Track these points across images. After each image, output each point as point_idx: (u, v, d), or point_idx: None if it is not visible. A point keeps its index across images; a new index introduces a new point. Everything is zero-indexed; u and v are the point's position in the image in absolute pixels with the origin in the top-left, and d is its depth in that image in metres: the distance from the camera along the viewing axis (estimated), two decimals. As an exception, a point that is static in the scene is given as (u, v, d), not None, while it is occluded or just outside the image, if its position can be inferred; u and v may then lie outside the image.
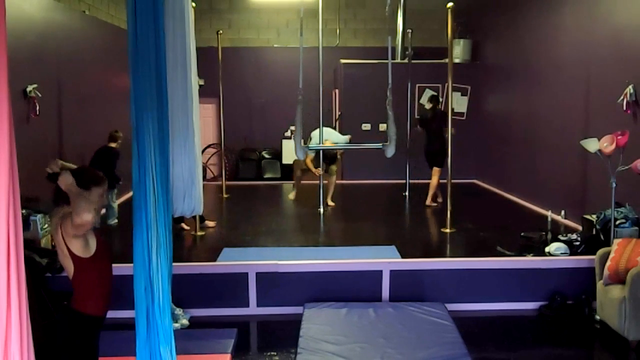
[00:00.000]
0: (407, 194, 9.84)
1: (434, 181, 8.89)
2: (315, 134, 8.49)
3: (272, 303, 5.64)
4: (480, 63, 11.08)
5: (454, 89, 7.96)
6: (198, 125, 4.59)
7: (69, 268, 3.07)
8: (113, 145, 7.38)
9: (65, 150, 7.41)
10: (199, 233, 7.13)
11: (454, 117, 8.10)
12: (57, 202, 3.10)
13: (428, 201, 8.98)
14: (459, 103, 11.08)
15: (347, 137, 8.94)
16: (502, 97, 10.21)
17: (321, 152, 8.52)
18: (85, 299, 3.09)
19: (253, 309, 5.64)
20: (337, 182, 10.16)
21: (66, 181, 2.96)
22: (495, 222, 7.92)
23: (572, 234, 6.34)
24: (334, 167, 8.93)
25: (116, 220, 7.62)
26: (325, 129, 8.42)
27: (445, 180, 7.48)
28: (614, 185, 5.62)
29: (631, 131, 5.63)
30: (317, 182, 8.63)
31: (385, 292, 5.68)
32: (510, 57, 9.74)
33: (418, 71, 10.54)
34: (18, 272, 1.99)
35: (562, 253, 5.92)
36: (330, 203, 9.02)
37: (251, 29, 13.03)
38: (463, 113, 11.19)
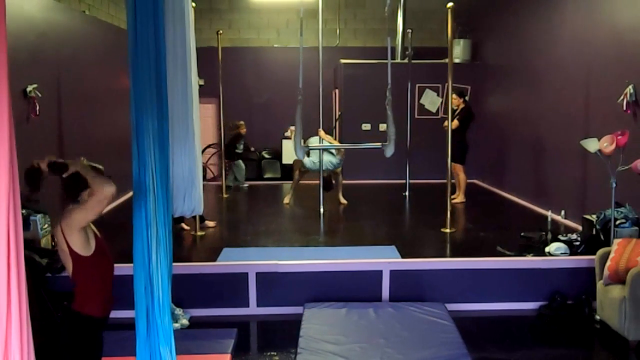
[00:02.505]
0: (407, 194, 9.84)
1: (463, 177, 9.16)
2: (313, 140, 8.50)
3: (272, 303, 5.64)
4: (480, 63, 11.07)
5: (454, 89, 7.96)
6: (198, 125, 4.59)
7: (69, 268, 3.06)
8: (235, 131, 10.44)
9: (66, 150, 7.42)
10: (199, 233, 7.13)
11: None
12: (70, 194, 3.07)
13: (461, 198, 9.12)
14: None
15: (340, 159, 8.73)
16: (502, 97, 10.21)
17: (321, 176, 8.46)
18: (86, 300, 3.09)
19: (253, 309, 5.64)
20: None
21: (78, 165, 2.98)
22: (495, 222, 7.92)
23: (572, 234, 6.35)
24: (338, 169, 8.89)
25: (245, 185, 10.73)
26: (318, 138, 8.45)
27: (445, 180, 7.48)
28: (614, 185, 5.62)
29: (631, 131, 5.63)
30: (318, 182, 8.62)
31: (385, 292, 5.68)
32: (510, 57, 9.75)
33: (418, 71, 10.54)
34: (18, 272, 2.00)
35: (562, 253, 5.92)
36: (342, 201, 9.00)
37: (251, 29, 13.03)
38: (463, 113, 11.19)
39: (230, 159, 10.46)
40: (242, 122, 10.55)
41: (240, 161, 10.69)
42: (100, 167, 3.12)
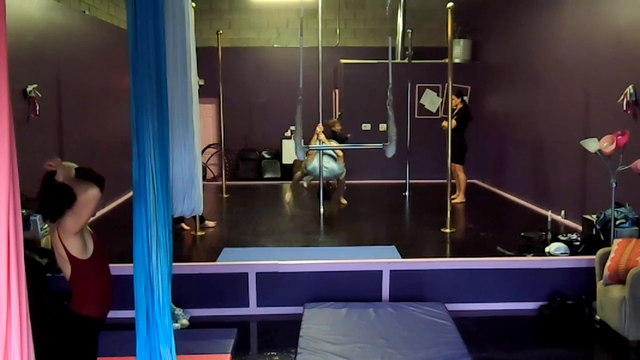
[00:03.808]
0: (407, 194, 9.84)
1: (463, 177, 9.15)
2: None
3: (272, 303, 5.64)
4: (480, 63, 11.08)
5: (453, 89, 7.96)
6: (198, 125, 4.58)
7: (67, 271, 3.06)
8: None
9: (66, 150, 7.42)
10: (199, 233, 7.13)
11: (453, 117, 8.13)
12: (63, 204, 3.08)
13: (461, 198, 9.10)
14: (459, 103, 11.07)
15: (341, 166, 8.64)
16: (502, 97, 10.21)
17: (321, 182, 8.41)
18: (84, 302, 3.08)
19: (253, 309, 5.64)
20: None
21: (65, 173, 2.97)
22: (495, 222, 7.92)
23: (572, 234, 6.34)
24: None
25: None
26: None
27: (445, 180, 7.48)
28: (614, 185, 5.62)
29: (631, 131, 5.63)
30: (317, 181, 8.61)
31: (385, 292, 5.68)
32: (510, 57, 9.74)
33: (418, 71, 10.54)
34: (18, 272, 1.99)
35: (562, 253, 5.92)
36: (342, 201, 8.94)
37: (251, 29, 13.03)
38: (463, 113, 11.18)
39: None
40: (334, 120, 9.89)
41: None
42: (75, 165, 3.13)
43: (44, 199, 3.03)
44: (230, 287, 5.63)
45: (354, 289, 5.65)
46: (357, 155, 10.36)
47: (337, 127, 9.46)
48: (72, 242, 2.99)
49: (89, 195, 2.89)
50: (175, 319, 5.18)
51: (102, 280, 3.17)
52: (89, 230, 3.14)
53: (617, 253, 5.04)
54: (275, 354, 4.80)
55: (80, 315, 3.08)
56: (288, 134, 12.56)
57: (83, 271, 3.05)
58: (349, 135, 9.72)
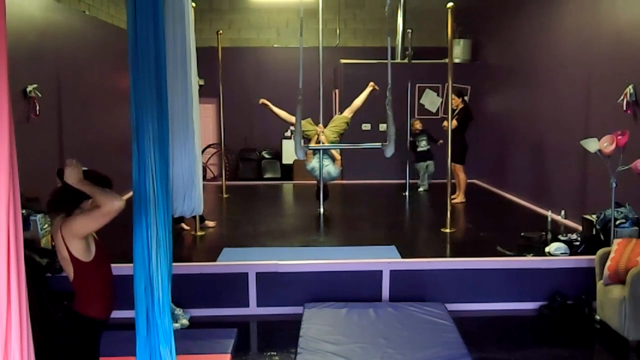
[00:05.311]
0: (407, 194, 9.84)
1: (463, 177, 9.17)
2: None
3: (272, 303, 5.64)
4: (480, 63, 11.07)
5: (453, 89, 7.96)
6: (198, 125, 4.58)
7: (70, 273, 3.05)
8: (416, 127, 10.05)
9: (66, 151, 7.42)
10: (199, 233, 7.12)
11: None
12: (54, 209, 3.08)
13: (461, 198, 9.10)
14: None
15: (338, 169, 8.38)
16: (502, 97, 10.21)
17: (321, 182, 8.36)
18: (87, 302, 3.08)
19: (253, 309, 5.64)
20: (337, 182, 10.15)
21: (75, 175, 2.89)
22: (495, 222, 7.92)
23: (572, 234, 6.34)
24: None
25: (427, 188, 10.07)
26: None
27: (445, 180, 7.48)
28: (614, 185, 5.62)
29: (631, 131, 5.63)
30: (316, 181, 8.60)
31: (385, 292, 5.68)
32: (510, 57, 9.74)
33: (418, 71, 10.54)
34: (18, 272, 2.00)
35: (562, 253, 5.92)
36: None
37: (251, 29, 13.03)
38: (463, 113, 11.17)
39: (415, 160, 10.04)
40: (415, 120, 10.11)
41: (422, 163, 9.97)
42: (85, 168, 3.10)
43: (54, 198, 3.04)
44: (230, 287, 5.63)
45: (354, 289, 5.65)
46: (357, 155, 10.37)
47: (416, 125, 10.07)
48: (75, 244, 2.98)
49: (115, 206, 2.85)
50: (175, 319, 5.18)
51: (105, 281, 3.17)
52: (91, 233, 3.14)
53: (617, 253, 5.04)
54: (275, 354, 4.80)
55: (84, 315, 3.07)
56: (288, 134, 12.56)
57: (86, 273, 3.05)
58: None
